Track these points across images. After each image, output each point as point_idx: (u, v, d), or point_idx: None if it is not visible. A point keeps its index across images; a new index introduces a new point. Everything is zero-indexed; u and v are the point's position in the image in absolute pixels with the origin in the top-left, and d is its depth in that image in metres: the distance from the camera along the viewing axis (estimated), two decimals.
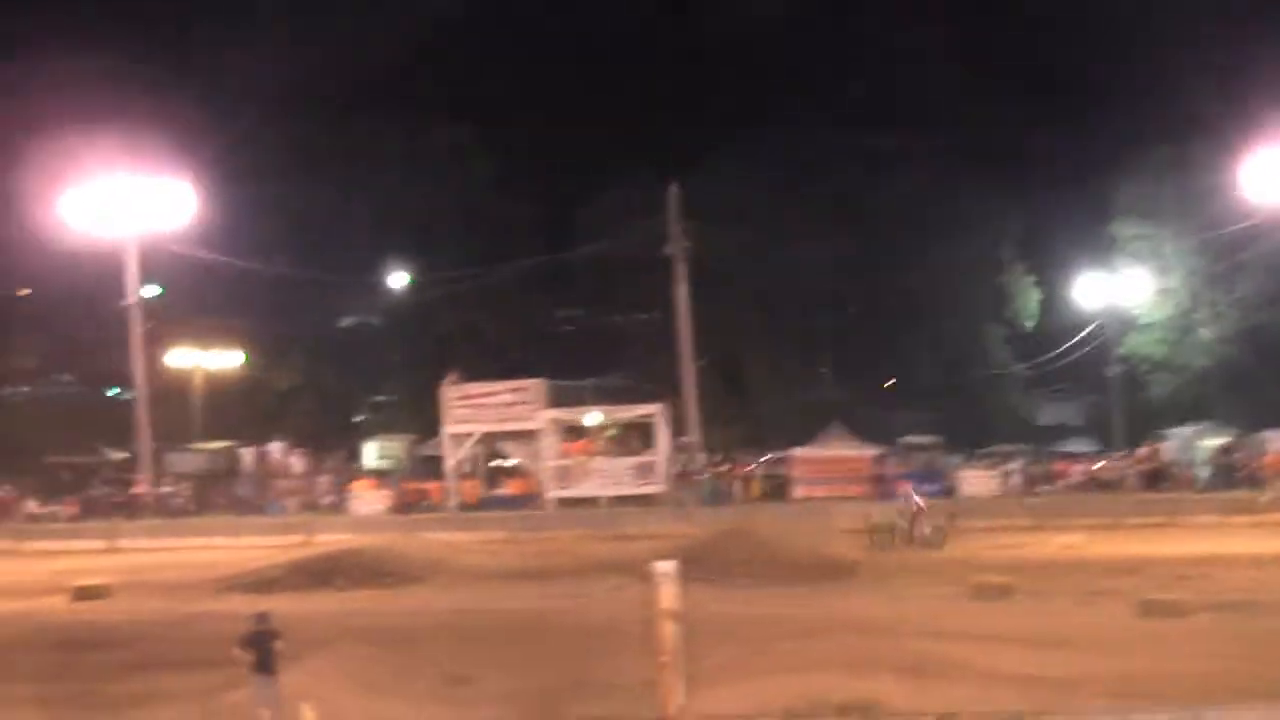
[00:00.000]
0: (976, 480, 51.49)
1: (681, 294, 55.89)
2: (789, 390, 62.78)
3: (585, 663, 24.41)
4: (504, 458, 54.82)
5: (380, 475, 55.96)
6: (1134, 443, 55.83)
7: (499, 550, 43.06)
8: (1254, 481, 49.24)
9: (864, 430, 55.18)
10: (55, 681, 24.83)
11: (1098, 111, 65.56)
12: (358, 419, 69.25)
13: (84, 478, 57.22)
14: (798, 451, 53.20)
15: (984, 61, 65.47)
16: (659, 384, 57.04)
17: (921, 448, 55.35)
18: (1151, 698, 21.02)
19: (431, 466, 54.92)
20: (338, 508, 52.16)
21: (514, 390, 52.95)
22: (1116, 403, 62.58)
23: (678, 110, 67.73)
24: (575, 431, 53.31)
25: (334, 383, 67.30)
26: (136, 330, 55.68)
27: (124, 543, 48.07)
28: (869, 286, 64.60)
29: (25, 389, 74.80)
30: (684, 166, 58.35)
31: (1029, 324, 68.39)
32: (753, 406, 61.98)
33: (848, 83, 68.35)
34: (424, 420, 57.41)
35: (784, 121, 64.77)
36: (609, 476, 51.17)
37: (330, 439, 60.81)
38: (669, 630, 15.72)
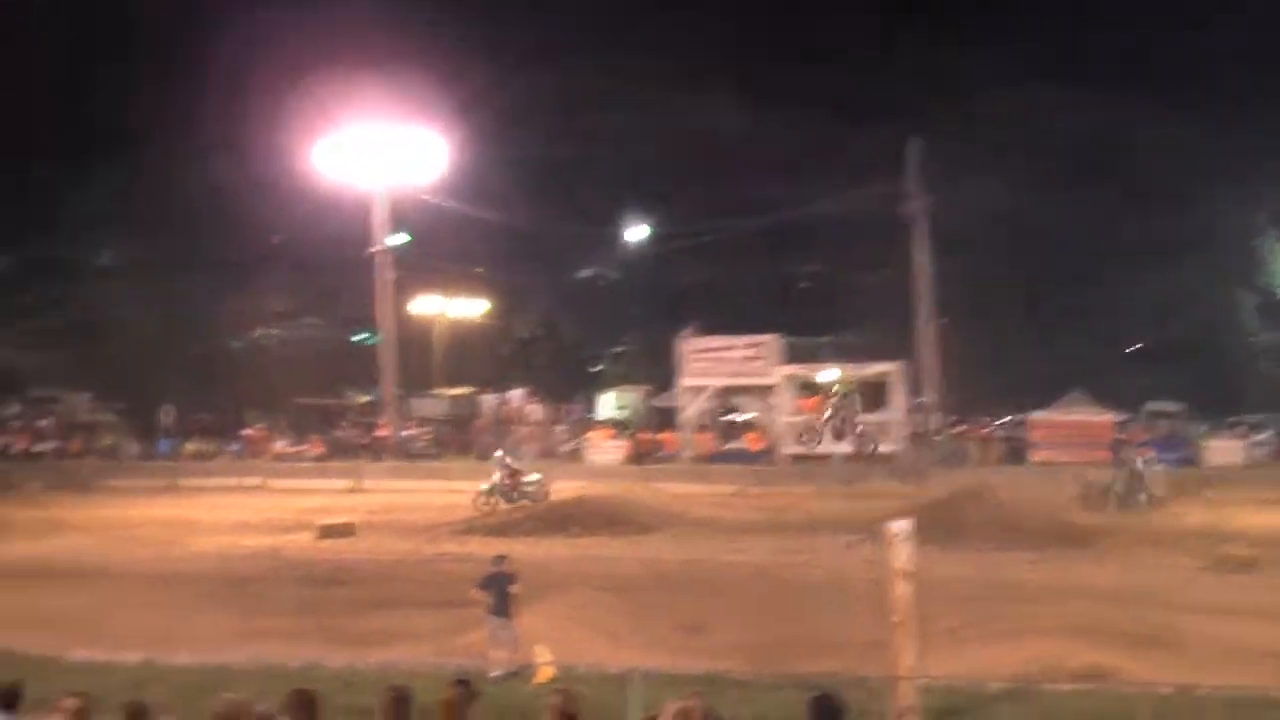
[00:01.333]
0: (1223, 449, 50.02)
1: (921, 251, 55.25)
2: (1030, 352, 61.62)
3: (815, 618, 24.44)
4: (738, 412, 54.93)
5: (616, 425, 56.52)
6: None
7: (731, 503, 43.25)
8: None
9: (1106, 394, 53.92)
10: (300, 616, 25.78)
11: None
12: (595, 369, 70.02)
13: (330, 419, 58.97)
14: (1037, 414, 52.29)
15: (1246, 19, 63.10)
16: (896, 342, 56.53)
17: (1165, 415, 53.95)
18: None
19: (666, 418, 55.31)
20: (574, 456, 52.84)
21: (750, 345, 52.96)
22: None
23: (922, 61, 66.68)
24: (810, 388, 53.12)
25: (572, 332, 68.15)
26: (384, 277, 57.03)
27: (367, 483, 49.42)
28: (1115, 247, 62.98)
29: (276, 332, 77.33)
30: (928, 119, 57.64)
31: None
32: (992, 367, 60.93)
33: (1095, 36, 66.67)
34: (660, 372, 57.82)
35: (1030, 75, 63.50)
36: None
37: (567, 388, 61.62)
38: (902, 590, 15.66)
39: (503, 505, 41.76)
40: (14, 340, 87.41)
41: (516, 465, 43.87)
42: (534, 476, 43.13)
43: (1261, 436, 51.35)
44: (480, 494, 41.90)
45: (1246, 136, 61.16)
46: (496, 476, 42.37)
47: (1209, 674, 20.46)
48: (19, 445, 55.16)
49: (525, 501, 41.88)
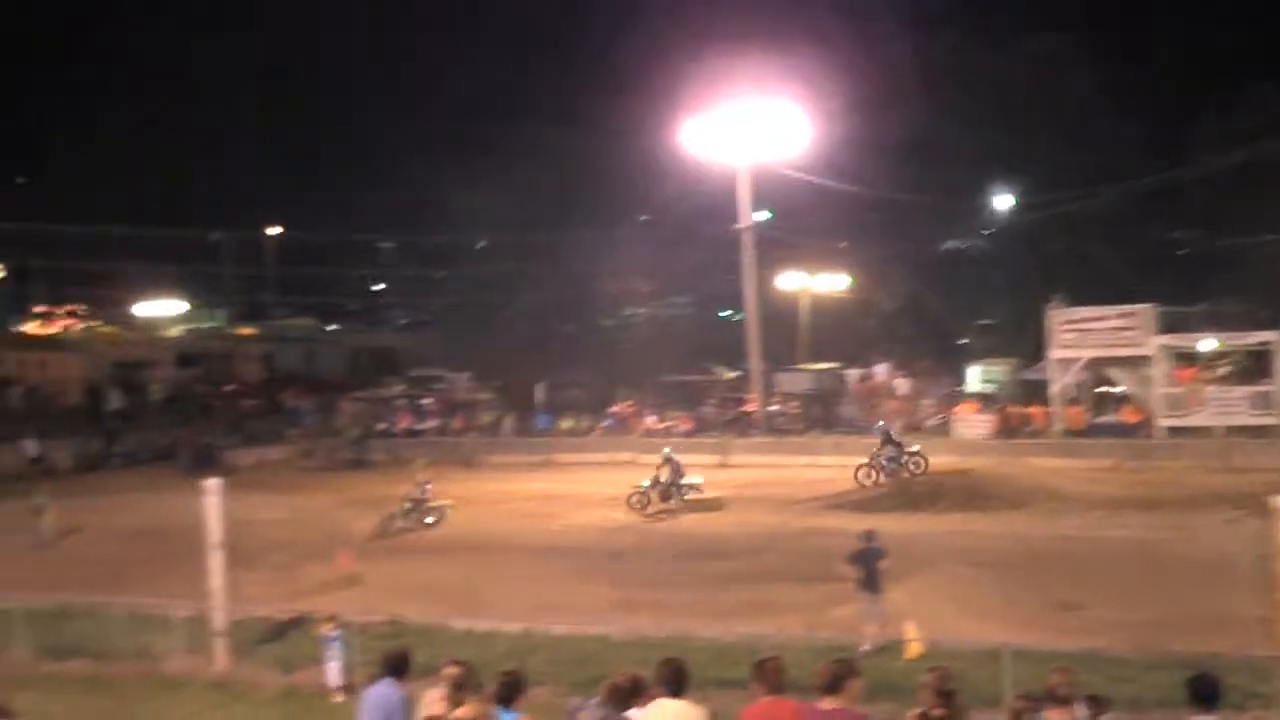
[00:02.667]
0: None
1: None
2: None
3: (1195, 595, 23.74)
4: (1111, 384, 53.42)
5: (983, 399, 55.70)
6: None
7: (1103, 478, 42.17)
8: None
9: None
10: (671, 588, 26.37)
11: None
12: (960, 342, 69.14)
13: (697, 395, 59.81)
14: None
15: None
16: (1276, 310, 54.01)
17: None
18: None
19: (1035, 391, 54.20)
20: (940, 430, 52.31)
21: (1123, 315, 51.36)
22: None
23: None
24: (1187, 358, 51.26)
25: (937, 305, 67.38)
26: (748, 254, 57.47)
27: (734, 458, 49.95)
28: None
29: (643, 310, 78.91)
30: None
31: None
32: None
33: None
34: (1027, 344, 56.67)
35: None
36: (1223, 406, 48.96)
37: (932, 361, 61.00)
38: None
39: (882, 478, 41.76)
40: (397, 323, 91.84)
41: (898, 437, 43.83)
42: (915, 448, 43.00)
43: None
44: (865, 466, 42.01)
45: None
46: (882, 449, 42.44)
47: None
48: (403, 424, 57.69)
49: (905, 473, 41.81)
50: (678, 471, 38.71)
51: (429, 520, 35.69)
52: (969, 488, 39.05)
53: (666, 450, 40.18)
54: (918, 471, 41.82)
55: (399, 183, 76.74)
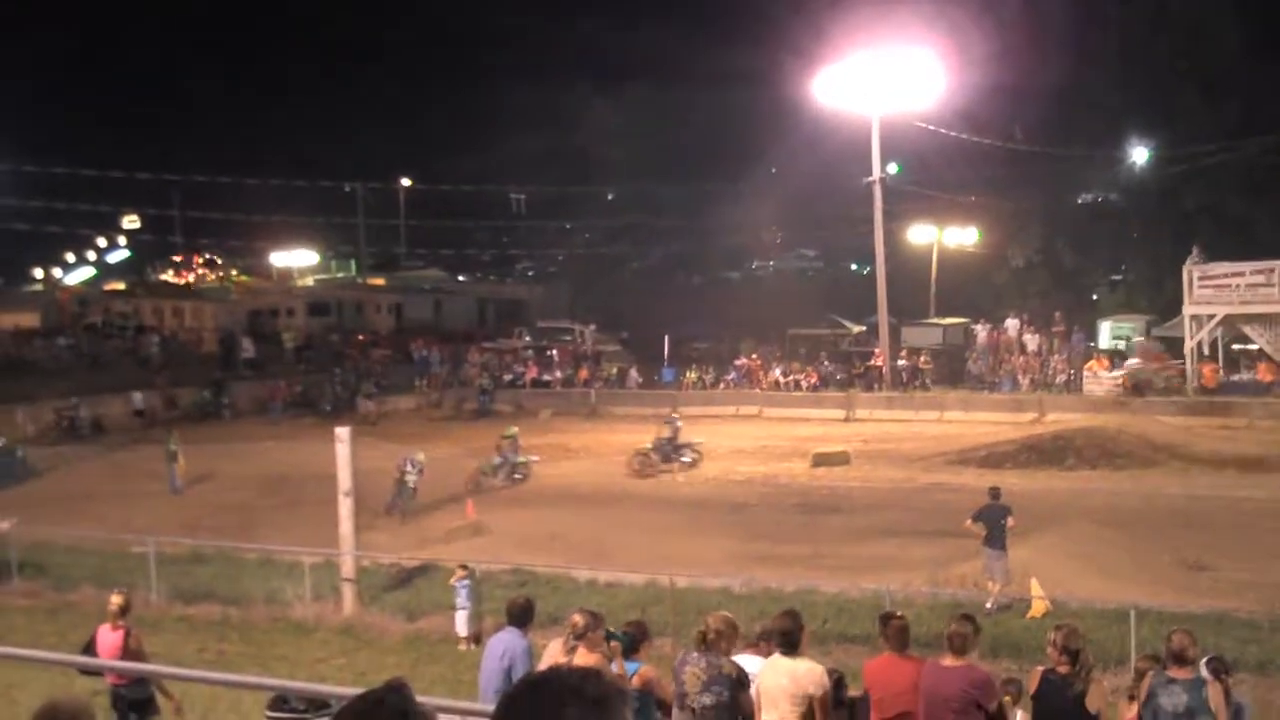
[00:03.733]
0: None
1: None
2: None
3: None
4: (1246, 341, 52.41)
5: (1115, 355, 54.89)
6: None
7: (1236, 437, 41.41)
8: None
9: None
10: (795, 541, 26.40)
11: None
12: (1093, 297, 68.09)
13: (824, 349, 59.54)
14: None
15: None
16: None
17: None
18: None
19: (1169, 348, 53.32)
20: (1070, 387, 51.68)
21: (1260, 271, 50.33)
22: None
23: None
24: None
25: (1070, 260, 66.36)
26: (878, 207, 57.00)
27: (860, 413, 49.72)
28: None
29: (771, 263, 78.69)
30: None
31: None
32: None
33: None
34: (1162, 300, 55.71)
35: None
36: None
37: (1065, 317, 60.17)
38: None
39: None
40: (526, 275, 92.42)
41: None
42: None
43: None
44: None
45: None
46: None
47: None
48: (530, 374, 58.06)
49: None
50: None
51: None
52: (1099, 445, 38.57)
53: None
54: None
55: (529, 135, 77.09)
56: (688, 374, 56.85)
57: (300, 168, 73.48)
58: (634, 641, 11.10)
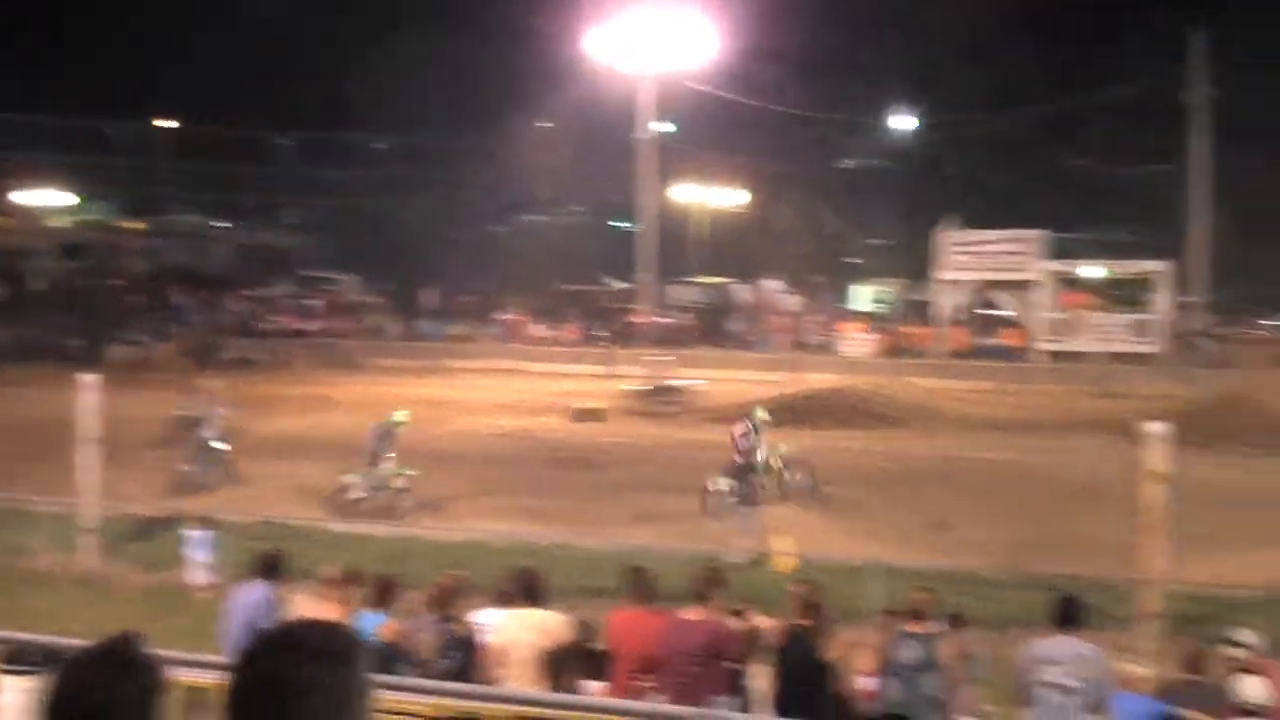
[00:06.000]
0: None
1: (1199, 146, 53.45)
2: None
3: (1065, 519, 24.13)
4: (996, 307, 54.08)
5: (870, 318, 56.17)
6: None
7: (984, 400, 42.72)
8: None
9: None
10: (547, 497, 26.37)
11: None
12: (852, 260, 69.47)
13: (588, 305, 59.70)
14: None
15: None
16: (1168, 240, 54.85)
17: None
18: None
19: (922, 312, 54.74)
20: (826, 348, 52.70)
21: (1012, 240, 51.97)
22: None
23: None
24: (1072, 284, 52.03)
25: (832, 223, 67.60)
26: (646, 164, 57.33)
27: (621, 369, 49.98)
28: None
29: (538, 217, 78.47)
30: (1212, 7, 55.49)
31: None
32: (1267, 267, 58.56)
33: None
34: (917, 265, 57.18)
35: None
36: (1105, 332, 49.80)
37: (823, 279, 61.31)
38: (1155, 493, 15.37)
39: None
40: (286, 222, 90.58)
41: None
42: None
43: None
44: None
45: None
46: None
47: None
48: (289, 324, 57.14)
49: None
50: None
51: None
52: (852, 406, 39.32)
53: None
54: None
55: (296, 81, 75.44)
56: (450, 327, 56.54)
57: (54, 101, 70.80)
58: (382, 595, 11.00)
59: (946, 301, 52.14)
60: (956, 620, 11.71)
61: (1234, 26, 54.42)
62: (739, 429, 24.30)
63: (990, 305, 54.28)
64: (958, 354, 50.45)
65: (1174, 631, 15.16)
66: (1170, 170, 56.76)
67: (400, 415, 25.90)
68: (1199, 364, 47.67)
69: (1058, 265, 51.58)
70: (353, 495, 24.61)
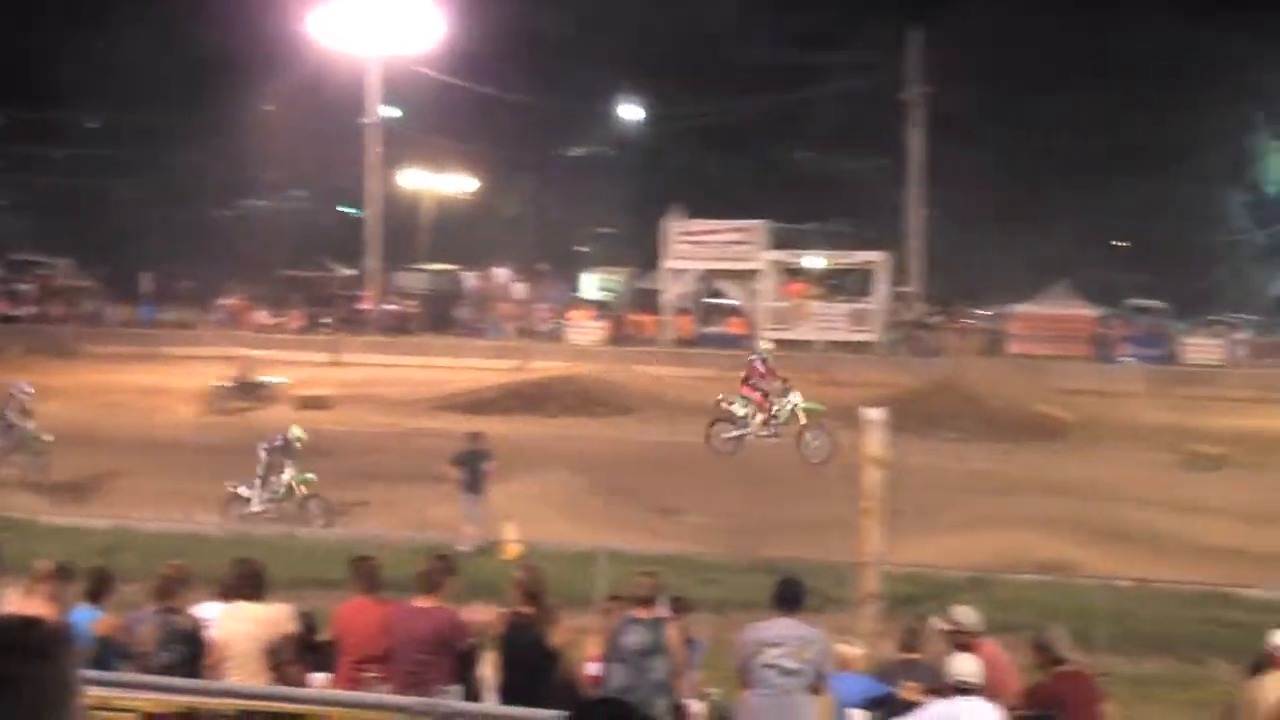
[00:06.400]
0: (1201, 348, 50.12)
1: (915, 141, 55.11)
2: (1016, 245, 61.39)
3: (788, 502, 24.68)
4: (721, 296, 54.93)
5: (598, 306, 56.51)
6: None
7: (710, 387, 43.22)
8: None
9: (1088, 290, 54.01)
10: None
11: None
12: (580, 249, 69.79)
13: (313, 291, 58.73)
14: (1018, 307, 52.38)
15: None
16: (885, 231, 56.46)
17: (1146, 311, 54.08)
18: None
19: (649, 300, 55.28)
20: (554, 335, 52.85)
21: (737, 230, 52.77)
22: None
23: None
24: (794, 274, 53.14)
25: (559, 211, 67.74)
26: (373, 149, 56.66)
27: (347, 357, 49.23)
28: (1109, 142, 62.54)
29: (261, 202, 76.86)
30: (929, 8, 57.29)
31: (1272, 189, 65.67)
32: (978, 259, 60.78)
33: None
34: (645, 254, 57.61)
35: None
36: (825, 321, 50.97)
37: (551, 267, 61.45)
38: (873, 476, 15.80)
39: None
40: None
41: None
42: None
43: (1240, 336, 51.51)
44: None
45: (1244, 34, 60.70)
46: None
47: (1172, 569, 20.78)
48: None
49: None
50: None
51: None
52: (579, 393, 39.50)
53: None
54: None
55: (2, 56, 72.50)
56: (169, 313, 55.05)
57: None
58: (97, 589, 10.66)
59: (673, 290, 52.75)
60: (680, 604, 11.83)
61: (950, 26, 56.32)
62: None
63: (716, 294, 55.14)
64: (683, 342, 51.08)
65: (892, 611, 15.61)
66: (889, 164, 58.42)
67: (296, 431, 25.09)
68: (915, 352, 49.22)
69: (781, 255, 52.60)
70: (253, 508, 23.74)
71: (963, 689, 8.68)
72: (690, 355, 48.51)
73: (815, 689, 9.46)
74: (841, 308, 51.22)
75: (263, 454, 24.27)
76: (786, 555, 18.42)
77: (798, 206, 60.43)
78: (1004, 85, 59.04)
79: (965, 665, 8.79)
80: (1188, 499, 25.91)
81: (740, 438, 28.94)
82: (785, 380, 30.02)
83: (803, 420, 28.79)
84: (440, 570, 9.97)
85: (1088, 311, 51.65)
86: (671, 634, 10.09)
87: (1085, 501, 24.99)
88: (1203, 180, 62.61)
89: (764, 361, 29.95)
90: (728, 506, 24.28)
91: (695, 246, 52.55)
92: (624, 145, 69.93)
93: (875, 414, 16.03)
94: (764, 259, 51.67)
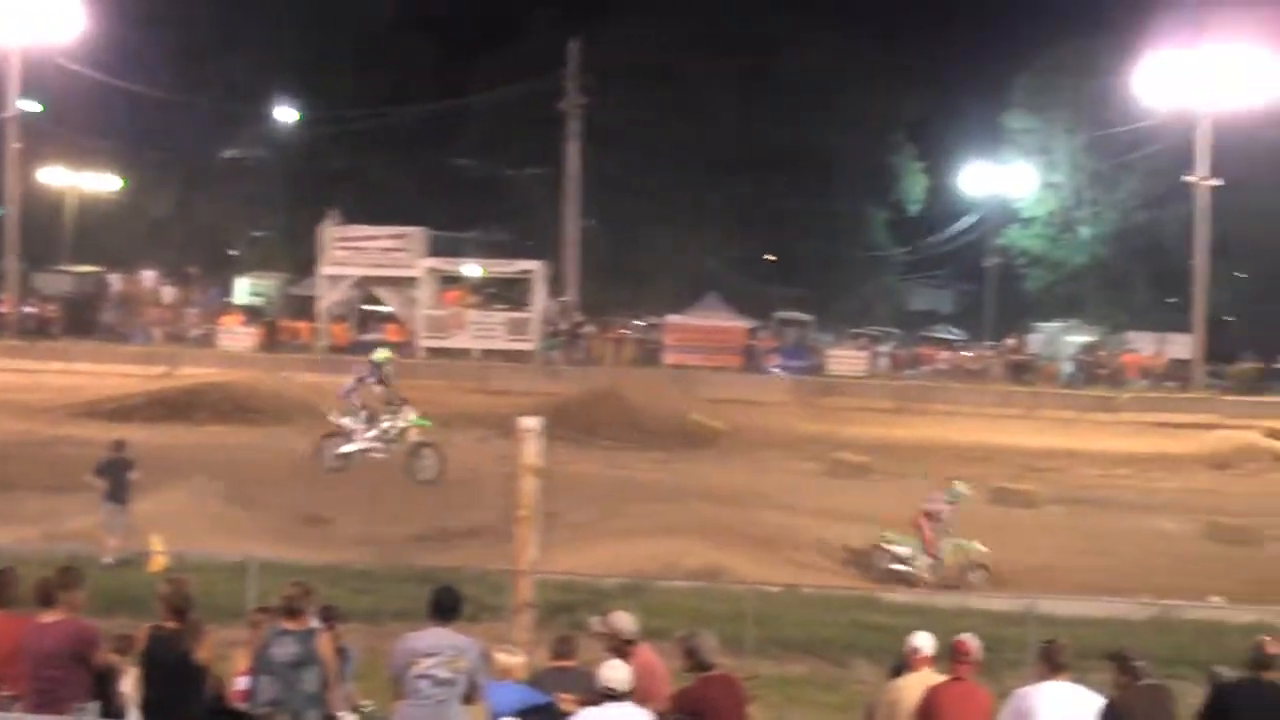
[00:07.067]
0: (845, 359, 52.03)
1: (573, 151, 55.65)
2: (672, 256, 62.59)
3: (443, 512, 24.58)
4: (378, 303, 54.44)
5: (251, 311, 55.36)
6: (1003, 334, 56.69)
7: None
8: (1114, 380, 50.39)
9: (740, 302, 55.48)
10: None
11: (1001, 4, 65.45)
12: (233, 253, 68.17)
13: None
14: (672, 318, 53.40)
15: None
16: (544, 240, 56.84)
17: (794, 323, 55.86)
18: (993, 584, 21.63)
19: (304, 306, 54.43)
20: (205, 341, 51.55)
21: (394, 236, 52.39)
22: (990, 293, 63.36)
23: None
24: (453, 282, 53.02)
25: (211, 214, 65.93)
26: (11, 145, 54.22)
27: None
28: (760, 157, 64.16)
29: None
30: (589, 17, 57.96)
31: (913, 208, 68.47)
32: (635, 270, 61.73)
33: None
34: (300, 259, 56.67)
35: None
36: (482, 330, 51.02)
37: (201, 271, 59.92)
38: (529, 485, 15.80)
39: None
40: None
41: None
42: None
43: (883, 348, 53.68)
44: None
45: (889, 58, 63.27)
46: None
47: (820, 574, 21.45)
48: None
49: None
50: None
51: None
52: (230, 400, 38.57)
53: None
54: None
55: None
56: None
57: None
58: None
59: (329, 296, 52.02)
60: (332, 615, 11.60)
61: (609, 39, 57.07)
62: None
63: (372, 301, 54.62)
64: (339, 349, 50.39)
65: (548, 620, 15.65)
66: (550, 173, 58.80)
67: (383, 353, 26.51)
68: (572, 362, 49.64)
69: (439, 263, 52.44)
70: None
71: (612, 695, 8.70)
72: (346, 362, 47.77)
73: (470, 698, 9.37)
74: (499, 316, 51.39)
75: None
76: (442, 564, 18.31)
77: (459, 214, 60.39)
78: (662, 99, 60.11)
79: (615, 672, 8.82)
80: (833, 506, 26.82)
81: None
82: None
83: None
84: (59, 583, 9.52)
85: (739, 323, 53.06)
86: (323, 645, 9.87)
87: (737, 509, 25.60)
88: (849, 198, 64.93)
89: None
90: (385, 516, 24.03)
91: (352, 252, 52.01)
92: (280, 147, 68.50)
93: (531, 423, 16.05)
94: (422, 266, 51.45)
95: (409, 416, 28.00)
